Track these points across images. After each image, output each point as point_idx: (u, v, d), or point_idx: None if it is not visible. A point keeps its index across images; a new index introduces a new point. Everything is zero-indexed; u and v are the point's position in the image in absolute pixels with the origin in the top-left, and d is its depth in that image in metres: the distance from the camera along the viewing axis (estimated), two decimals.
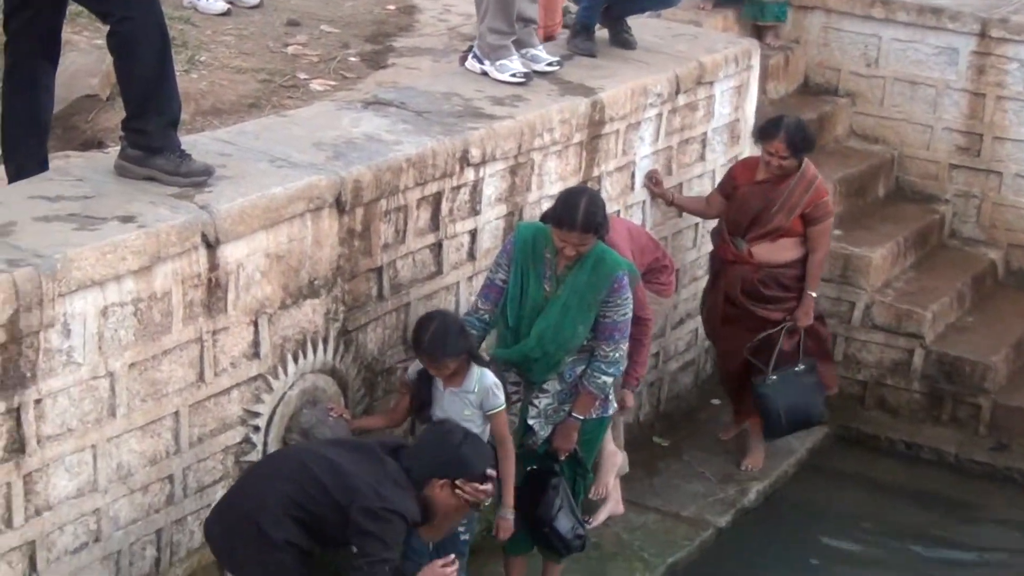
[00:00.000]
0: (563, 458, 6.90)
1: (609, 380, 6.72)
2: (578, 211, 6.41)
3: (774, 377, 8.42)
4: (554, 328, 6.56)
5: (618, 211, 8.09)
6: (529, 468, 6.81)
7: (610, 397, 6.95)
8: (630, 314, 6.66)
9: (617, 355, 6.66)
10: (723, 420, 9.29)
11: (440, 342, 6.22)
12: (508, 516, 6.61)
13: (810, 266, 8.39)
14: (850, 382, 9.96)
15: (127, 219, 5.41)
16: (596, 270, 6.53)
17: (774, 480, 8.91)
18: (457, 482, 5.77)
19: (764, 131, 8.30)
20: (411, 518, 5.63)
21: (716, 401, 9.55)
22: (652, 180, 8.34)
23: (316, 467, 5.57)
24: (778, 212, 8.24)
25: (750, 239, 8.33)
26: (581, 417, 6.77)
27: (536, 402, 6.72)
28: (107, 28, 5.79)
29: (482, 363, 6.42)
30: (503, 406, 6.42)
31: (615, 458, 7.66)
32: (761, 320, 8.41)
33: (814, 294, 8.46)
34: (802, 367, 8.48)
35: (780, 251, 8.34)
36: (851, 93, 11.02)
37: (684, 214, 8.79)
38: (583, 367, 6.69)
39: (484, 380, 6.36)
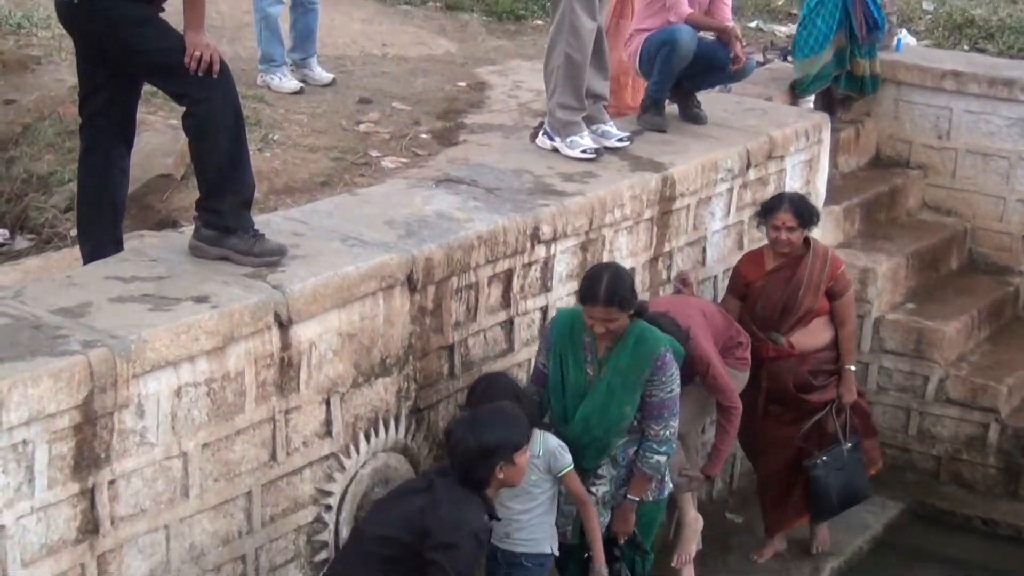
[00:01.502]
0: (622, 541, 6.78)
1: (662, 459, 6.63)
2: (600, 285, 6.36)
3: (824, 458, 8.22)
4: (600, 411, 6.49)
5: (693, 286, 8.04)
6: (587, 555, 6.68)
7: (666, 478, 6.86)
8: (677, 390, 6.55)
9: (667, 433, 6.56)
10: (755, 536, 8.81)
11: (512, 396, 6.25)
12: (602, 572, 6.55)
13: (842, 341, 8.21)
14: (925, 457, 9.81)
15: (201, 299, 5.42)
16: (637, 349, 6.45)
17: (849, 557, 8.77)
18: (514, 456, 5.77)
19: (767, 207, 8.08)
20: (479, 526, 5.62)
21: (734, 518, 9.06)
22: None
23: (383, 528, 5.60)
24: (806, 295, 8.03)
25: (785, 330, 8.12)
26: (637, 499, 6.69)
27: (593, 490, 6.61)
28: (182, 109, 5.83)
29: (544, 427, 6.40)
30: (572, 465, 6.37)
31: (697, 524, 7.60)
32: (809, 407, 8.24)
33: (853, 368, 8.31)
34: (848, 445, 8.28)
35: (817, 334, 8.15)
36: (923, 165, 10.91)
37: None
38: (635, 448, 6.62)
39: (548, 443, 6.32)
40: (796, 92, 10.27)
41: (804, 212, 8.03)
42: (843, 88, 10.40)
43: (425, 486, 5.74)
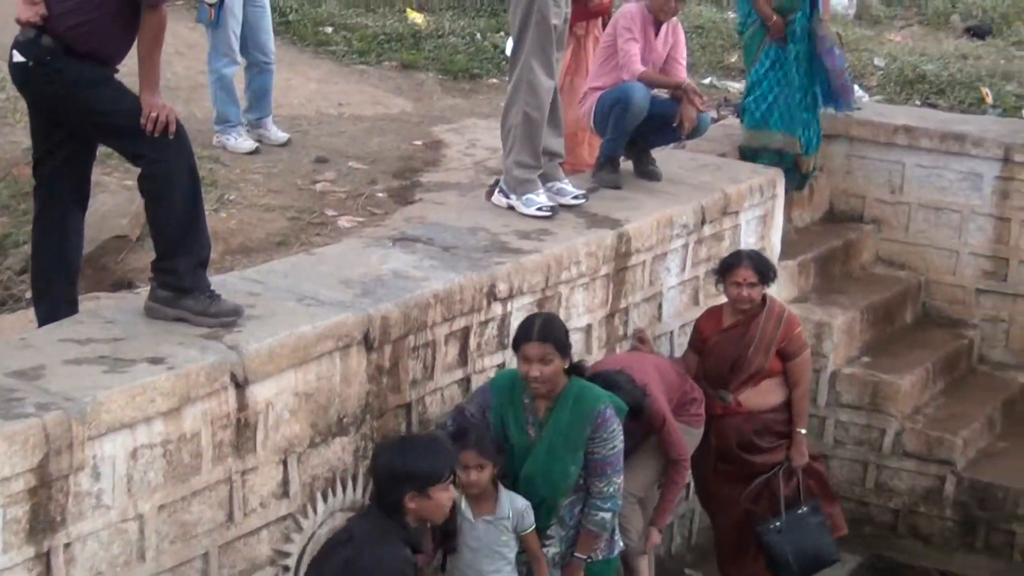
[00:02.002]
0: None
1: (608, 516, 6.62)
2: (534, 324, 6.44)
3: (778, 523, 8.16)
4: (543, 472, 6.48)
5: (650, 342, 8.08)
6: None
7: (616, 537, 6.86)
8: (620, 447, 6.54)
9: (611, 490, 6.56)
10: None
11: (484, 438, 6.26)
12: None
13: (794, 402, 8.17)
14: (882, 510, 9.85)
15: (156, 360, 5.41)
16: (577, 408, 6.45)
17: None
18: (429, 489, 5.77)
19: (726, 264, 8.10)
20: (397, 566, 5.65)
21: (693, 573, 9.04)
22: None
23: None
24: (755, 354, 8.04)
25: (733, 388, 8.11)
26: (584, 557, 6.68)
27: (544, 551, 6.59)
28: (138, 169, 5.84)
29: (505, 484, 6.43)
30: (534, 525, 6.40)
31: None
32: (757, 468, 8.19)
33: (803, 431, 8.26)
34: (805, 509, 8.22)
35: (766, 395, 8.13)
36: (876, 220, 11.00)
37: None
38: (581, 507, 6.61)
39: (516, 503, 6.36)
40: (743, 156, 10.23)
41: (763, 268, 8.08)
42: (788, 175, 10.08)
43: (347, 537, 5.78)
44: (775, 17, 9.75)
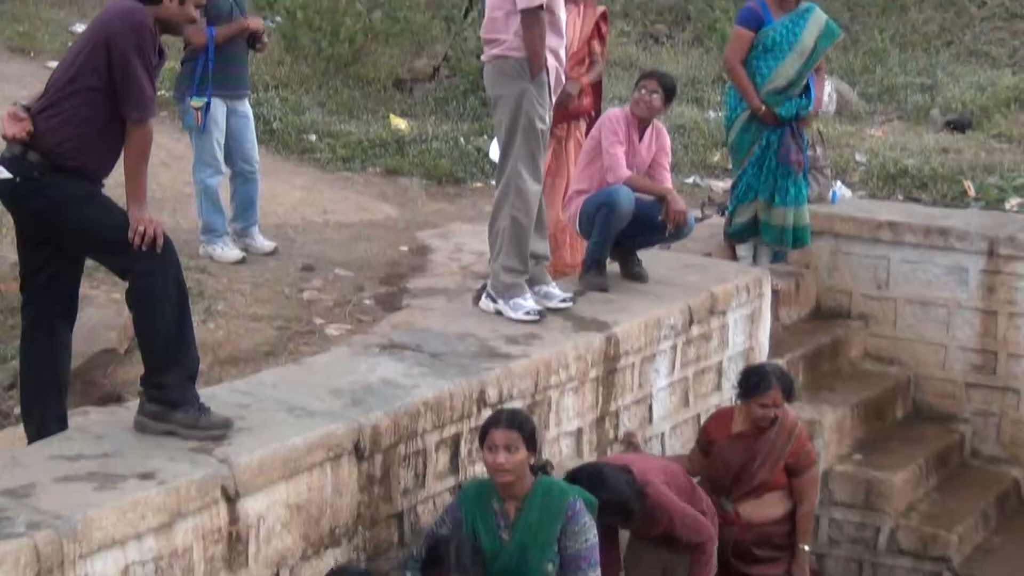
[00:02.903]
0: None
1: None
2: (501, 413, 6.49)
3: None
4: (518, 573, 6.42)
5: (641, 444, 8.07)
6: None
7: None
8: (593, 540, 6.46)
9: None
10: None
11: (471, 556, 6.19)
12: None
13: (799, 518, 8.05)
14: None
15: (147, 476, 5.40)
16: (546, 504, 6.41)
17: None
18: None
19: (756, 385, 7.88)
20: None
21: None
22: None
23: None
24: (761, 466, 7.92)
25: (735, 498, 8.00)
26: None
27: None
28: (125, 283, 5.87)
29: None
30: None
31: None
32: None
33: (807, 548, 8.19)
34: None
35: (767, 508, 8.00)
36: (863, 316, 11.03)
37: None
38: None
39: None
40: (728, 236, 10.40)
41: (789, 388, 7.96)
42: (765, 239, 10.37)
43: None
44: (763, 108, 9.89)
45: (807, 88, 10.11)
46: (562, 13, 7.79)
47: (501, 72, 7.68)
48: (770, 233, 10.29)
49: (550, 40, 7.64)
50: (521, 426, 6.38)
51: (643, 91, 8.66)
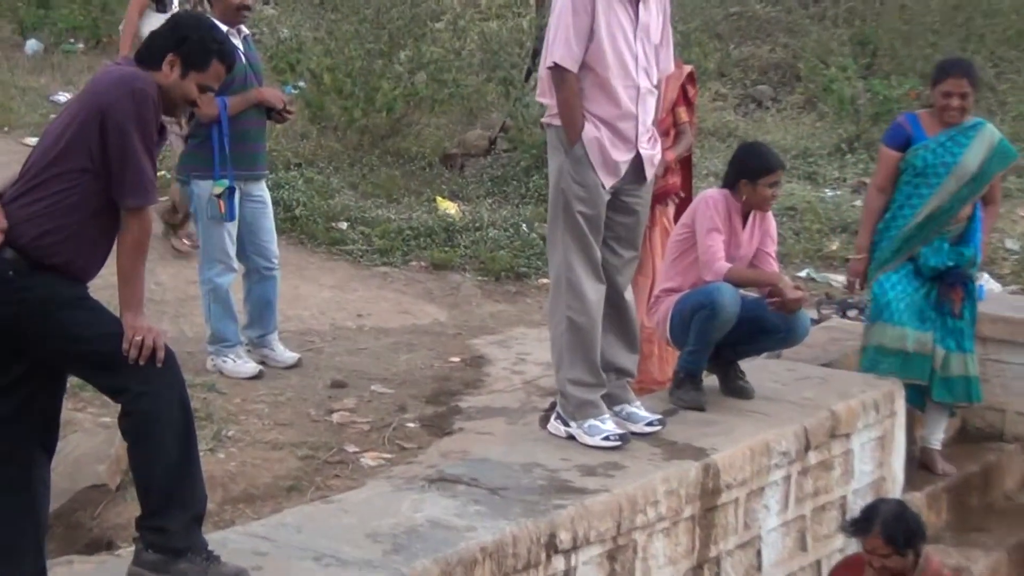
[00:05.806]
0: None
1: None
2: None
3: None
4: None
5: None
6: None
7: None
8: None
9: None
10: None
11: None
12: None
13: None
14: None
15: None
16: None
17: None
18: None
19: (856, 524, 7.79)
20: None
21: None
22: None
23: None
24: None
25: None
26: None
27: None
28: (118, 406, 5.87)
29: None
30: None
31: None
32: None
33: None
34: None
35: None
36: (1020, 438, 10.95)
37: None
38: None
39: None
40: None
41: (899, 536, 7.65)
42: (936, 398, 9.98)
43: None
44: (863, 256, 9.88)
45: (971, 228, 9.84)
46: (623, 74, 7.66)
47: (548, 141, 7.77)
48: (941, 389, 9.94)
49: (597, 107, 7.64)
50: None
51: (768, 187, 8.60)
